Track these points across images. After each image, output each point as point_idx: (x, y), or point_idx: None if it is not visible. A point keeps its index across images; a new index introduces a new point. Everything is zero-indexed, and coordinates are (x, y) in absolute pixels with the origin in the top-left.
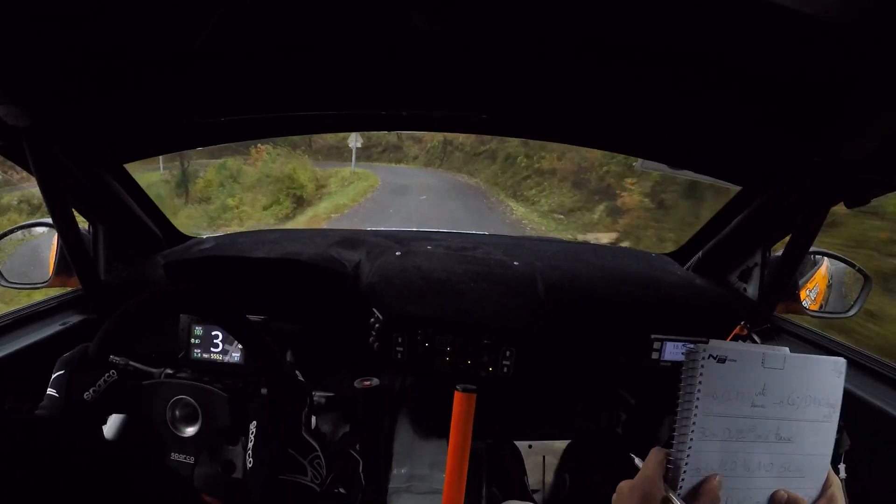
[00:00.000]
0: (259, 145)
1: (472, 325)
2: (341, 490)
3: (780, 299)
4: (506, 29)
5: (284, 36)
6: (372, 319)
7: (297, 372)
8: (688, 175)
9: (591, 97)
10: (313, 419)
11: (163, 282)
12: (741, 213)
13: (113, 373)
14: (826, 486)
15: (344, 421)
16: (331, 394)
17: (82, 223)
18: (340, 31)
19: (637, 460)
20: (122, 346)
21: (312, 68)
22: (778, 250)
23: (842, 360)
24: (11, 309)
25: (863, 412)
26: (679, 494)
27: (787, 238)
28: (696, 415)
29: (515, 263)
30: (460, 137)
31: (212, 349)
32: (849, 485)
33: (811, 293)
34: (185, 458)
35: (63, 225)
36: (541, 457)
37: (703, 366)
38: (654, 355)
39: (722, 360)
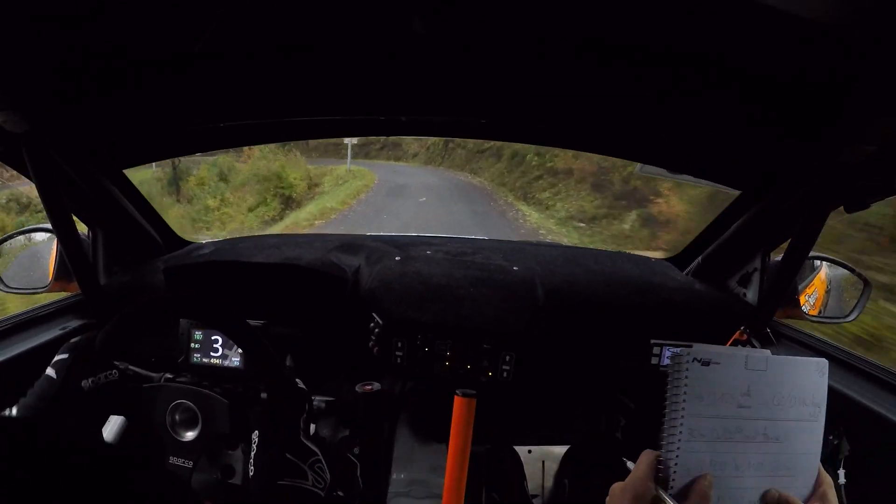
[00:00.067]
0: None
1: (471, 329)
2: (340, 493)
3: (780, 304)
4: (505, 29)
5: (284, 40)
6: (372, 324)
7: (297, 379)
8: (687, 180)
9: (590, 98)
10: (312, 426)
11: (162, 287)
12: (740, 217)
13: (115, 372)
14: (817, 484)
15: (344, 425)
16: (331, 398)
17: (82, 228)
18: (340, 35)
19: (629, 463)
20: (123, 350)
21: (312, 72)
22: (777, 255)
23: (824, 361)
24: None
25: (863, 418)
26: (670, 494)
27: (787, 243)
28: (683, 416)
29: (515, 268)
30: None
31: (212, 353)
32: (848, 490)
33: (810, 298)
34: (184, 463)
35: (62, 230)
36: (540, 462)
37: (688, 369)
38: (654, 360)
39: (706, 364)
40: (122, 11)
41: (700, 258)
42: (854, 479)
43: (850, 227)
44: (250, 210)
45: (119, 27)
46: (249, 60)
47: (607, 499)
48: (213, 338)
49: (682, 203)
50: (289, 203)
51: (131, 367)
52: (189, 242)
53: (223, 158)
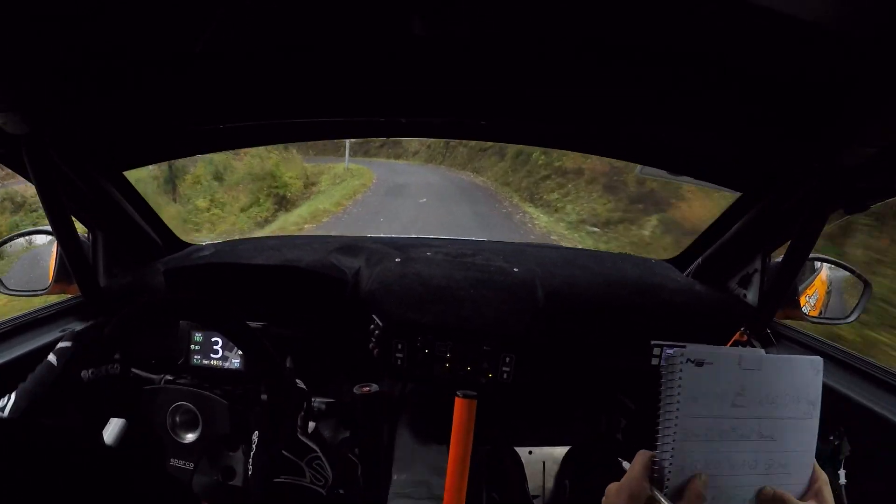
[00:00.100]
0: None
1: (472, 331)
2: (341, 491)
3: (780, 305)
4: (505, 30)
5: (284, 41)
6: (371, 326)
7: (297, 380)
8: (688, 181)
9: (590, 98)
10: (312, 423)
11: (162, 289)
12: (741, 219)
13: (116, 366)
14: (812, 480)
15: (344, 427)
16: (330, 400)
17: (82, 230)
18: (340, 36)
19: (625, 463)
20: (123, 351)
21: (312, 74)
22: (778, 256)
23: (818, 359)
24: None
25: (863, 418)
26: (665, 494)
27: (787, 244)
28: (677, 417)
29: (515, 270)
30: None
31: (212, 355)
32: (849, 490)
33: (811, 299)
34: (185, 465)
35: (62, 232)
36: (541, 463)
37: (681, 370)
38: (654, 361)
39: (700, 364)
40: (122, 11)
41: (700, 259)
42: (855, 479)
43: None
44: (243, 210)
45: (119, 27)
46: (250, 61)
47: (603, 499)
48: (212, 339)
49: (706, 207)
50: (283, 203)
51: (132, 368)
52: (189, 244)
53: (219, 156)
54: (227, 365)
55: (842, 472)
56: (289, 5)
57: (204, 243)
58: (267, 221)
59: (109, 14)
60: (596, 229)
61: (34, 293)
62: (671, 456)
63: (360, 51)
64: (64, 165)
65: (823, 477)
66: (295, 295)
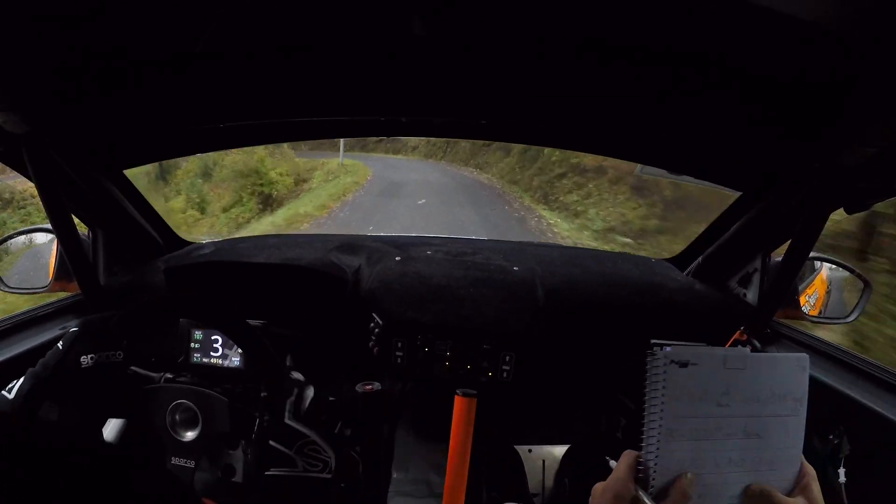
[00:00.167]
0: None
1: (471, 330)
2: (342, 485)
3: (780, 305)
4: (505, 30)
5: (284, 40)
6: (372, 324)
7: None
8: (688, 181)
9: (591, 98)
10: (308, 398)
11: (162, 287)
12: (741, 218)
13: (119, 353)
14: (800, 476)
15: (345, 425)
16: (331, 398)
17: (82, 228)
18: (340, 36)
19: (611, 462)
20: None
21: (312, 73)
22: (778, 256)
23: (804, 356)
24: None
25: (863, 417)
26: (650, 494)
27: (787, 243)
28: (661, 418)
29: (515, 269)
30: None
31: (212, 353)
32: (848, 490)
33: (811, 298)
34: (186, 463)
35: (62, 230)
36: (540, 461)
37: (665, 371)
38: None
39: (684, 365)
40: (122, 11)
41: (700, 258)
42: (854, 478)
43: None
44: (224, 210)
45: (119, 27)
46: (250, 61)
47: (590, 499)
48: (213, 338)
49: None
50: (269, 202)
51: (131, 366)
52: (189, 242)
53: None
54: (227, 363)
55: (841, 471)
56: (289, 5)
57: (204, 241)
58: (249, 223)
59: (109, 14)
60: (628, 240)
61: (34, 291)
62: (656, 456)
63: (361, 50)
64: (64, 164)
65: (812, 472)
66: (295, 293)
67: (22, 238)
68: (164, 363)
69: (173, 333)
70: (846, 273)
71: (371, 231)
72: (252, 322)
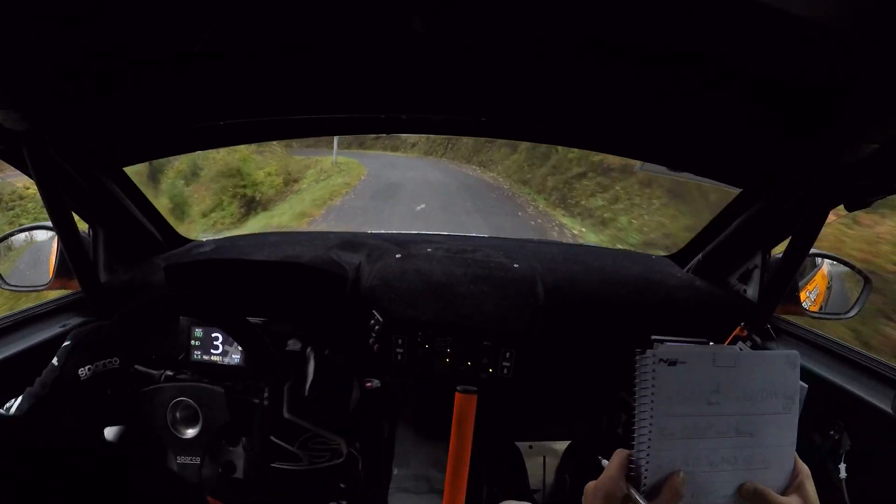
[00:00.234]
0: None
1: (472, 327)
2: (342, 485)
3: (780, 301)
4: (505, 29)
5: (284, 39)
6: (372, 322)
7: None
8: (688, 178)
9: (591, 98)
10: (308, 384)
11: (162, 285)
12: (741, 215)
13: (115, 360)
14: (794, 474)
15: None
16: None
17: (82, 226)
18: (340, 35)
19: (604, 461)
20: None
21: (311, 71)
22: (778, 252)
23: (795, 353)
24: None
25: (863, 413)
26: (642, 492)
27: (788, 240)
28: (652, 416)
29: (515, 266)
30: None
31: (212, 351)
32: (849, 485)
33: (811, 295)
34: (191, 460)
35: (62, 228)
36: (541, 457)
37: (654, 370)
38: None
39: (673, 363)
40: (122, 11)
41: (701, 255)
42: (855, 473)
43: None
44: (203, 215)
45: (119, 27)
46: (250, 59)
47: (583, 498)
48: (213, 335)
49: (854, 236)
50: (252, 206)
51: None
52: (190, 240)
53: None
54: (227, 360)
55: (842, 467)
56: (289, 3)
57: (204, 239)
58: (228, 229)
59: (109, 14)
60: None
61: (34, 289)
62: (647, 455)
63: (361, 47)
64: (64, 162)
65: (805, 471)
66: (295, 291)
67: (22, 236)
68: (165, 361)
69: (173, 331)
70: (847, 269)
71: None
72: (252, 320)
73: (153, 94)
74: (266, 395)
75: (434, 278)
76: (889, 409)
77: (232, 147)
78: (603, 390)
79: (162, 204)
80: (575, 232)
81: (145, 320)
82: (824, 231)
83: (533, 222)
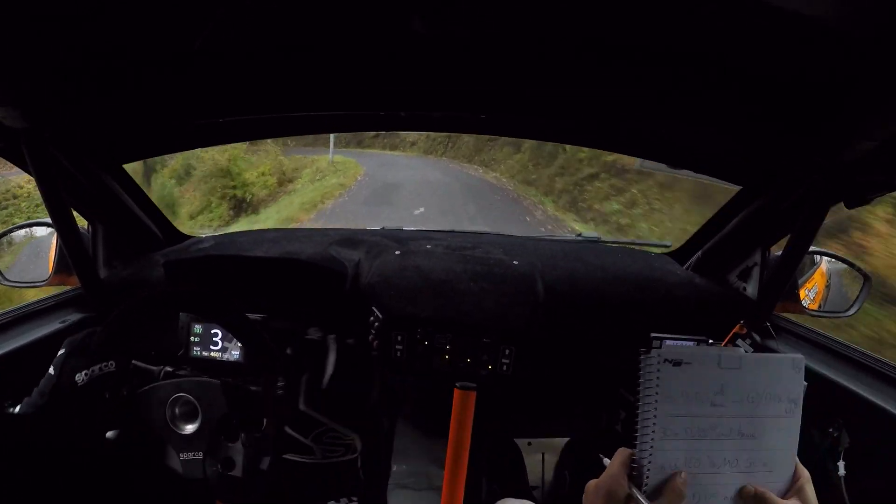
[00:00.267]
0: None
1: (471, 324)
2: (361, 476)
3: (780, 299)
4: (505, 29)
5: (284, 37)
6: (371, 318)
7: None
8: (688, 175)
9: (591, 97)
10: (327, 376)
11: (162, 281)
12: (741, 212)
13: (111, 364)
14: (794, 478)
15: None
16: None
17: (81, 222)
18: (340, 33)
19: (605, 460)
20: (124, 344)
21: (311, 69)
22: (777, 250)
23: (800, 357)
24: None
25: (862, 410)
26: (644, 492)
27: (787, 237)
28: (655, 416)
29: (515, 263)
30: None
31: (211, 347)
32: (848, 483)
33: (810, 292)
34: (194, 455)
35: (62, 224)
36: (540, 454)
37: (658, 370)
38: None
39: (678, 364)
40: (122, 11)
41: (700, 252)
42: (854, 471)
43: None
44: (191, 217)
45: (119, 27)
46: (250, 56)
47: (584, 496)
48: (212, 331)
49: None
50: (242, 207)
51: (132, 360)
52: (189, 236)
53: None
54: (226, 357)
55: (841, 464)
56: (288, 2)
57: (204, 235)
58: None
59: (109, 14)
60: None
61: (34, 285)
62: (650, 454)
63: (360, 46)
64: (63, 159)
65: (806, 475)
66: (295, 287)
67: (22, 232)
68: (164, 357)
69: (173, 328)
70: (846, 267)
71: None
72: (251, 316)
73: (152, 91)
74: (281, 385)
75: (434, 275)
76: (889, 408)
77: (222, 146)
78: (602, 387)
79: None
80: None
81: (144, 317)
82: (880, 245)
83: (543, 228)
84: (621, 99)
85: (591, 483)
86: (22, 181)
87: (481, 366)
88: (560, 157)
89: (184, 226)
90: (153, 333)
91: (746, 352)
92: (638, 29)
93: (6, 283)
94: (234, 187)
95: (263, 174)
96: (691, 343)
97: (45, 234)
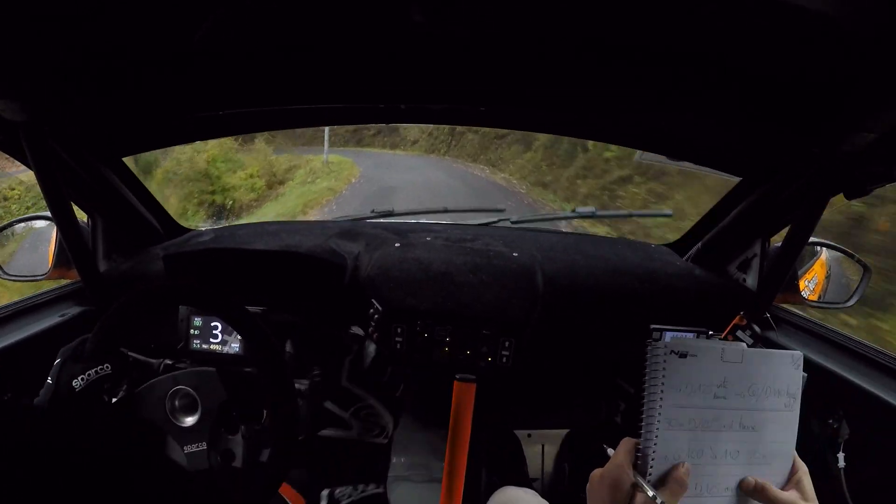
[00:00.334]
0: None
1: (471, 316)
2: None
3: (779, 290)
4: (505, 29)
5: (283, 31)
6: (371, 311)
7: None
8: (688, 167)
9: (590, 97)
10: (369, 358)
11: (161, 274)
12: (741, 203)
13: (107, 366)
14: (793, 471)
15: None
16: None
17: (81, 216)
18: (339, 26)
19: (609, 450)
20: (122, 339)
21: (310, 62)
22: (777, 241)
23: (798, 353)
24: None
25: (862, 401)
26: (648, 481)
27: (787, 228)
28: (661, 406)
29: (515, 254)
30: None
31: (211, 340)
32: (847, 474)
33: (810, 283)
34: (197, 447)
35: (61, 218)
36: (540, 445)
37: (665, 361)
38: None
39: (683, 356)
40: (122, 11)
41: (700, 244)
42: (853, 462)
43: None
44: None
45: (119, 27)
46: (249, 49)
47: (587, 486)
48: (212, 324)
49: None
50: (222, 215)
51: (131, 353)
52: (189, 230)
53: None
54: (226, 349)
55: (840, 456)
56: None
57: (203, 228)
58: None
59: (109, 14)
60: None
61: (33, 278)
62: (655, 444)
63: (359, 37)
64: (63, 152)
65: (803, 468)
66: (294, 280)
67: (20, 226)
68: (164, 350)
69: (172, 321)
70: (846, 258)
71: None
72: (251, 309)
73: (152, 83)
74: (316, 373)
75: (433, 267)
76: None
77: (201, 146)
78: (602, 379)
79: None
80: None
81: (143, 311)
82: None
83: None
84: (621, 99)
85: (596, 472)
86: (14, 183)
87: (481, 358)
88: (581, 157)
89: None
90: (152, 327)
91: (747, 343)
92: (638, 29)
93: (5, 276)
94: (213, 192)
95: (252, 176)
96: (691, 335)
97: (44, 227)
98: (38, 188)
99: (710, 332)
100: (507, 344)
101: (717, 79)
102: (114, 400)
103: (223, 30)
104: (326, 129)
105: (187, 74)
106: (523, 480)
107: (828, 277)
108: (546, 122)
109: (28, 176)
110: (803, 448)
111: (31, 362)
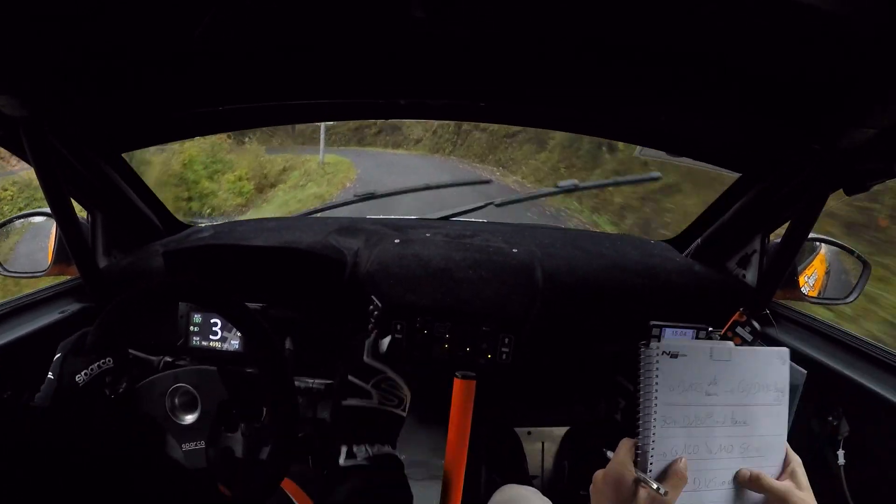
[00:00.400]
0: None
1: (470, 313)
2: (325, 471)
3: (779, 286)
4: (506, 29)
5: (283, 27)
6: (370, 307)
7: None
8: (687, 163)
9: (591, 96)
10: (385, 340)
11: (161, 271)
12: (740, 199)
13: (108, 360)
14: (786, 462)
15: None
16: (329, 381)
17: (80, 212)
18: (338, 21)
19: (609, 453)
20: (121, 336)
21: (310, 57)
22: (777, 237)
23: (785, 350)
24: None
25: (861, 398)
26: (650, 476)
27: (786, 224)
28: (656, 405)
29: (514, 251)
30: None
31: (211, 336)
32: (847, 472)
33: (810, 279)
34: (196, 445)
35: (61, 214)
36: (540, 443)
37: (658, 361)
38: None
39: (675, 356)
40: (122, 11)
41: (699, 240)
42: (853, 460)
43: None
44: None
45: (119, 26)
46: (248, 44)
47: (591, 486)
48: (212, 321)
49: None
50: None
51: (130, 350)
52: (188, 226)
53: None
54: (226, 346)
55: (840, 453)
56: None
57: (203, 224)
58: None
59: (109, 14)
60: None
61: (33, 275)
62: (653, 442)
63: (359, 32)
64: (63, 148)
65: (797, 459)
66: (294, 276)
67: (20, 222)
68: (164, 347)
69: (172, 318)
70: (846, 254)
71: None
72: (251, 305)
73: (151, 80)
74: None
75: (433, 263)
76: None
77: (178, 146)
78: (601, 376)
79: None
80: None
81: (142, 308)
82: None
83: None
84: (621, 97)
85: (599, 473)
86: (7, 183)
87: (480, 354)
88: (608, 160)
89: None
90: (152, 324)
91: (747, 339)
92: (638, 29)
93: (5, 273)
94: (190, 199)
95: (240, 178)
96: (691, 331)
97: (44, 224)
98: (30, 189)
99: (710, 329)
100: (506, 340)
101: (717, 78)
102: (114, 396)
103: (223, 26)
104: (322, 127)
105: (187, 72)
106: (523, 478)
107: (828, 273)
108: (546, 117)
109: (21, 176)
110: (803, 445)
111: (30, 359)
